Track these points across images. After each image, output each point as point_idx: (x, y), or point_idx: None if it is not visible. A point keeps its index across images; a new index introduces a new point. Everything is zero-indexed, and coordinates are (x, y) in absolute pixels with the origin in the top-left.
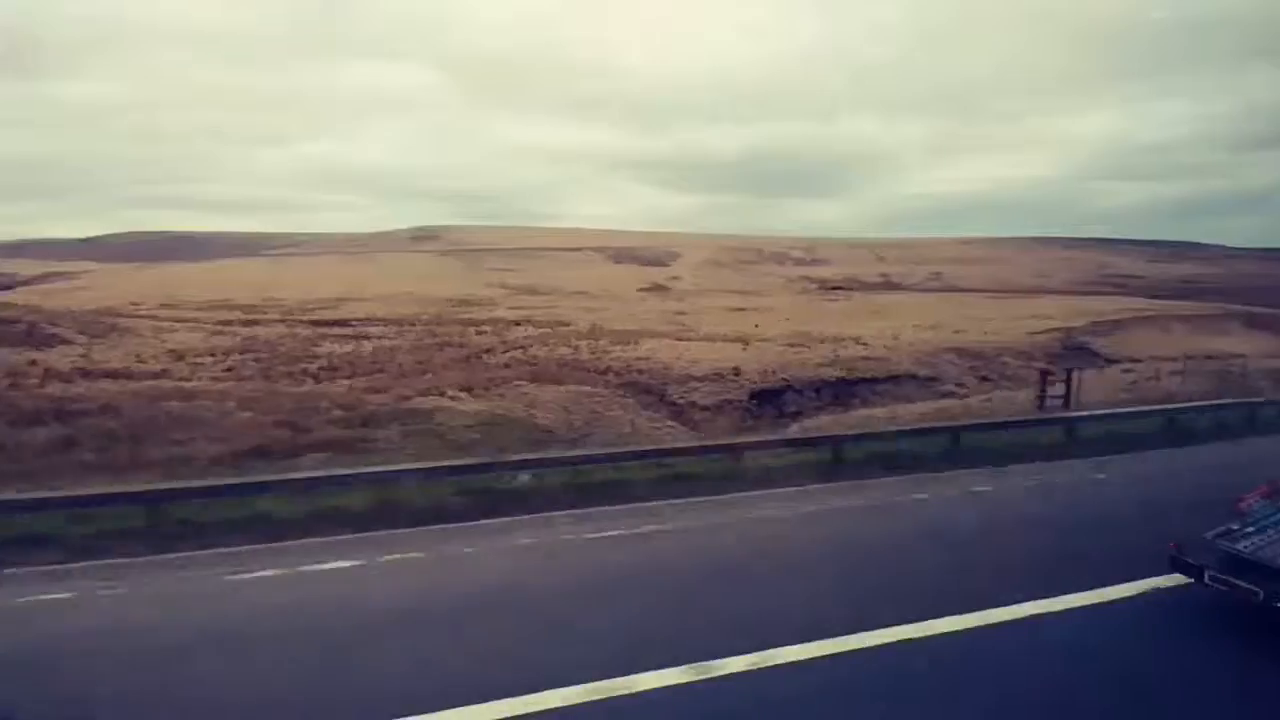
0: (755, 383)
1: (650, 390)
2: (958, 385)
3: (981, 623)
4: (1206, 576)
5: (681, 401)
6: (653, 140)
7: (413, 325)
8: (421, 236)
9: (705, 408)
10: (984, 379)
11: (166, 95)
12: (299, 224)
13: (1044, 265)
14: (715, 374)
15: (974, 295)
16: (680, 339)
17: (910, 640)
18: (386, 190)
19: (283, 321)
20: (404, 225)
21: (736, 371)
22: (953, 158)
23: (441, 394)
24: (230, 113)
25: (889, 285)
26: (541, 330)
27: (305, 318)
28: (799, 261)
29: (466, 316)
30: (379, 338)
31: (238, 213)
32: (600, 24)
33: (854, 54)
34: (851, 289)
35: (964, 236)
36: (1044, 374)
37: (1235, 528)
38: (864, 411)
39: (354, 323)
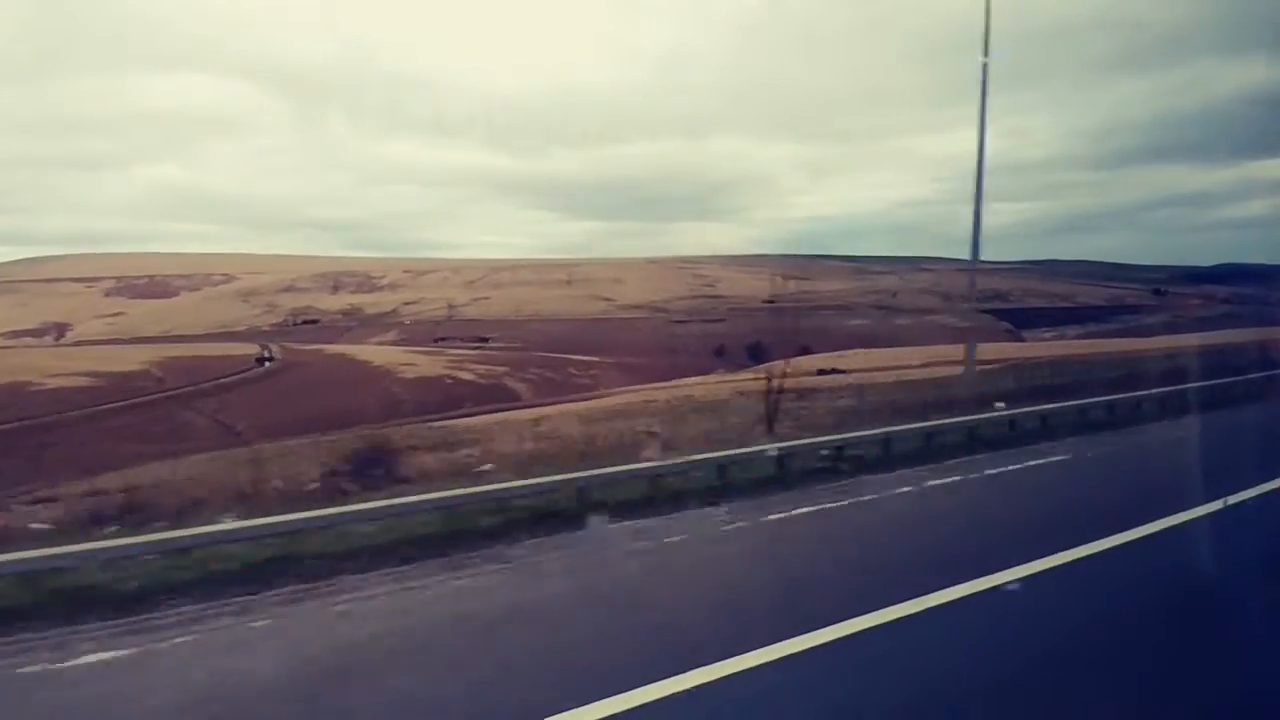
0: None
1: None
2: None
3: None
4: None
5: None
6: (531, 163)
7: None
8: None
9: None
10: None
11: None
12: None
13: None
14: None
15: None
16: None
17: None
18: (249, 218)
19: None
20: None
21: None
22: (834, 179)
23: None
24: (44, 138)
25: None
26: None
27: None
28: (362, 288)
29: None
30: None
31: (78, 244)
32: (436, 39)
33: (706, 71)
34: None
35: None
36: None
37: None
38: None
39: None
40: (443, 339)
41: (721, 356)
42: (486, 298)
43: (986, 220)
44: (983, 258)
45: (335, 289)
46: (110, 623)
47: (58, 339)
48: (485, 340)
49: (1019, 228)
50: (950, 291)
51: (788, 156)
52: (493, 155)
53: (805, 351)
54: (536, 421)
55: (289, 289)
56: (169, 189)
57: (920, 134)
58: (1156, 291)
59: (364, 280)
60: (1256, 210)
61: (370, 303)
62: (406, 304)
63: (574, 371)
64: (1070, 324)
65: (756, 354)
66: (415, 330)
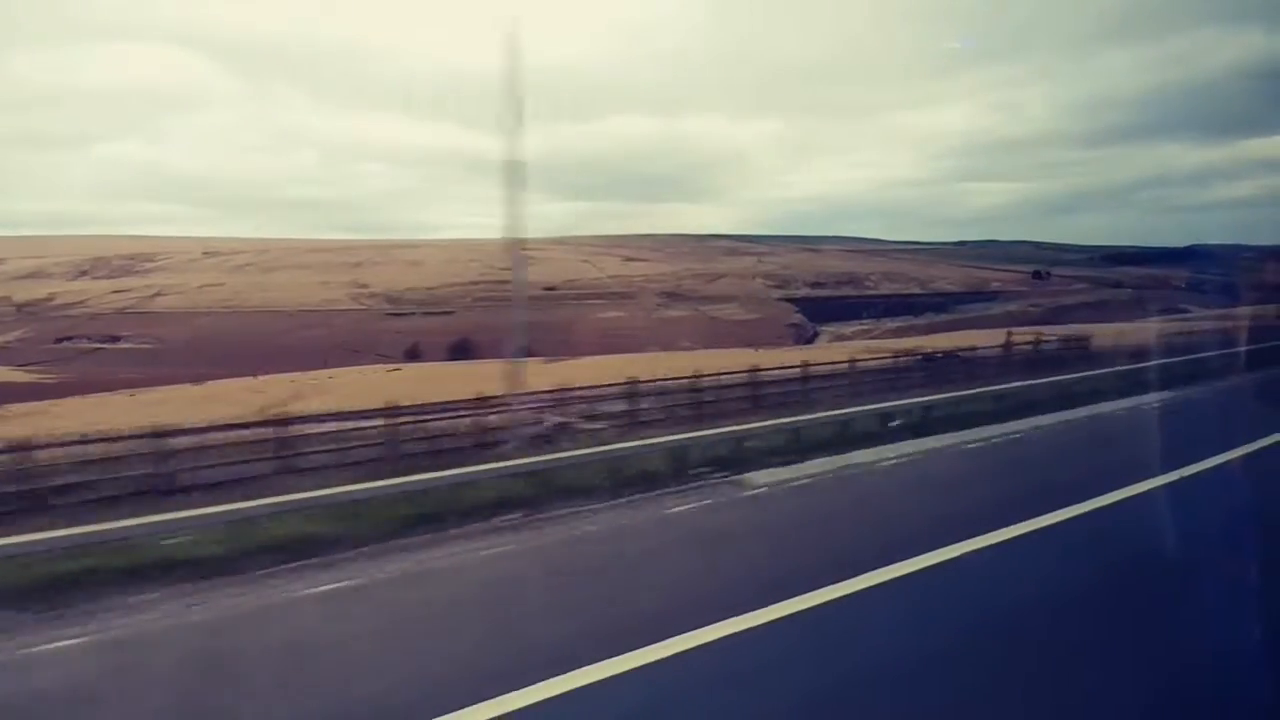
0: None
1: None
2: None
3: None
4: None
5: None
6: (498, 141)
7: None
8: None
9: None
10: None
11: None
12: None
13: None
14: None
15: None
16: None
17: None
18: (220, 200)
19: None
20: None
21: None
22: (821, 158)
23: None
24: None
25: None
26: None
27: None
28: (117, 273)
29: None
30: None
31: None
32: (397, 10)
33: (683, 42)
34: None
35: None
36: None
37: None
38: None
39: None
40: (66, 338)
41: (416, 358)
42: (219, 284)
43: (979, 201)
44: (941, 239)
45: (80, 275)
46: None
47: None
48: (116, 339)
49: (1011, 209)
50: (793, 278)
51: (771, 133)
52: (468, 133)
53: (524, 352)
54: None
55: (33, 275)
56: (131, 168)
57: (906, 109)
58: (1036, 275)
59: (131, 264)
60: (1248, 190)
61: (82, 291)
62: (116, 292)
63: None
64: (903, 314)
65: (460, 353)
66: (58, 327)
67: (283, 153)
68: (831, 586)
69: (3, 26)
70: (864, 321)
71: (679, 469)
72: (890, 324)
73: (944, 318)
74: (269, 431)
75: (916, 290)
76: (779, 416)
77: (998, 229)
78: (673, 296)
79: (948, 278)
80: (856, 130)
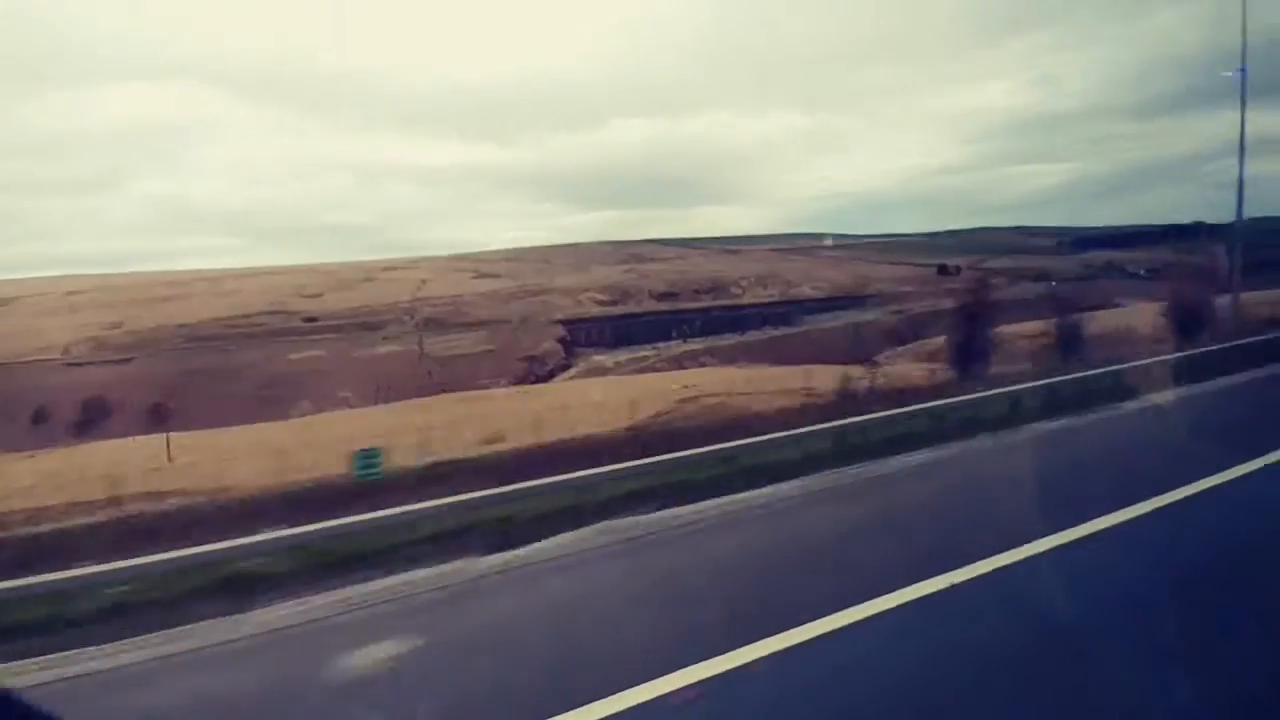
0: None
1: None
2: None
3: None
4: None
5: None
6: (532, 154)
7: None
8: None
9: None
10: None
11: None
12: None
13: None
14: None
15: None
16: None
17: None
18: (255, 228)
19: None
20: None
21: None
22: (852, 150)
23: None
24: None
25: None
26: None
27: None
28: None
29: None
30: None
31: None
32: (407, 34)
33: (695, 35)
34: None
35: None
36: None
37: None
38: None
39: None
40: None
41: (40, 424)
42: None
43: (1031, 183)
44: (999, 224)
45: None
46: None
47: None
48: None
49: (1057, 191)
50: (643, 288)
51: (798, 127)
52: (491, 149)
53: (159, 419)
54: None
55: None
56: (173, 203)
57: (942, 88)
58: (942, 269)
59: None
60: None
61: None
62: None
63: None
64: (729, 330)
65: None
66: None
67: (320, 177)
68: None
69: (33, 73)
70: (661, 344)
71: None
72: (697, 344)
73: (766, 334)
74: None
75: (774, 298)
76: None
77: (1043, 215)
78: (430, 323)
79: (829, 279)
80: (893, 116)
